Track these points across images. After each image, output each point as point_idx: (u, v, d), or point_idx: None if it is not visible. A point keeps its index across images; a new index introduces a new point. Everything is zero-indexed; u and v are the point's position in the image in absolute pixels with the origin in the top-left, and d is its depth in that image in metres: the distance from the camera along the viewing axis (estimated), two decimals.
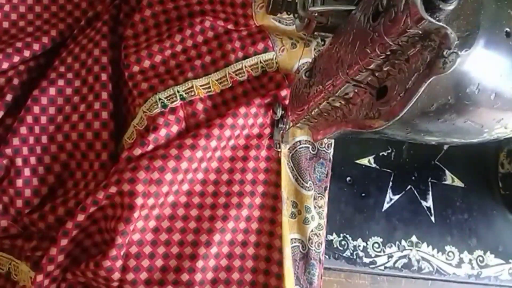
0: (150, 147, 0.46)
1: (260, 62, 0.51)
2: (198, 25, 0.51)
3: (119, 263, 0.43)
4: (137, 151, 0.46)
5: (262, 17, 0.51)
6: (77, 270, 0.44)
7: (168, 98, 0.48)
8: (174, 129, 0.48)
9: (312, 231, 0.50)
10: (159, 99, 0.48)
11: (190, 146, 0.46)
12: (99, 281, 0.44)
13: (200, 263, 0.45)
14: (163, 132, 0.47)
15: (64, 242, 0.43)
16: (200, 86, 0.49)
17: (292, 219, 0.50)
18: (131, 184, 0.44)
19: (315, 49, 0.54)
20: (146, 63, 0.50)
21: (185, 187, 0.48)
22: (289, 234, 0.49)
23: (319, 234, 0.51)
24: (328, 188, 0.52)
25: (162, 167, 0.45)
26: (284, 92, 0.50)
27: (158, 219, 0.46)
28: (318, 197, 0.51)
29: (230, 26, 0.51)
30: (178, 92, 0.48)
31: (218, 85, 0.50)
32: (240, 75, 0.50)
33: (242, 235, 0.48)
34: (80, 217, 0.43)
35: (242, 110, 0.49)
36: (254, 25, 0.52)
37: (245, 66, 0.50)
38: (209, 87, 0.50)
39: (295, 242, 0.50)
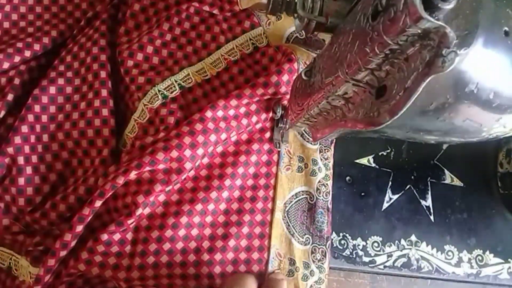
0: (161, 134, 0.47)
1: (250, 39, 0.52)
2: (184, 12, 0.52)
3: (130, 235, 0.45)
4: (149, 139, 0.47)
5: (247, 3, 0.52)
6: (83, 249, 0.44)
7: (167, 89, 0.49)
8: (181, 114, 0.49)
9: (319, 181, 0.52)
10: (159, 90, 0.49)
11: (199, 119, 0.47)
12: (108, 262, 0.44)
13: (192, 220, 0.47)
14: (171, 119, 0.48)
15: (79, 228, 0.44)
16: (196, 72, 0.50)
17: (298, 173, 0.52)
18: (152, 166, 0.45)
19: None
20: (139, 56, 0.50)
21: (205, 160, 0.49)
22: (288, 187, 0.51)
23: (327, 184, 0.52)
24: (334, 141, 0.53)
25: (180, 144, 0.46)
26: (286, 77, 0.49)
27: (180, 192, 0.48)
28: (324, 149, 0.53)
29: (215, 11, 0.52)
30: (176, 81, 0.49)
31: (213, 68, 0.51)
32: (233, 55, 0.51)
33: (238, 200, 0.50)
34: (98, 203, 0.44)
35: (247, 91, 0.49)
36: (239, 9, 0.53)
37: (236, 46, 0.51)
38: (205, 72, 0.51)
39: (302, 195, 0.52)
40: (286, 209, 0.51)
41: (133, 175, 0.45)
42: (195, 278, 0.46)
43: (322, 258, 0.51)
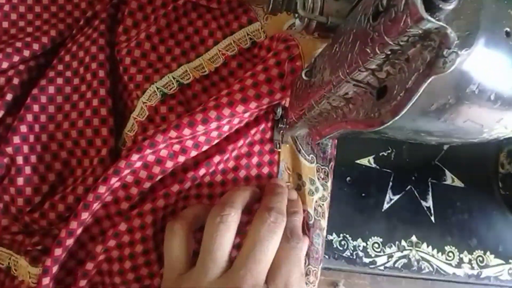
0: (164, 126, 0.47)
1: (248, 34, 0.52)
2: (182, 8, 0.52)
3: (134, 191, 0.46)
4: (150, 132, 0.47)
5: None
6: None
7: (165, 86, 0.49)
8: (181, 109, 0.49)
9: None
10: (157, 88, 0.49)
11: (200, 110, 0.47)
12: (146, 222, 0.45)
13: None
14: (172, 116, 0.48)
15: (84, 215, 0.44)
16: (194, 68, 0.51)
17: None
18: (152, 148, 0.45)
19: None
20: (137, 53, 0.50)
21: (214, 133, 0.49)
22: None
23: None
24: None
25: (177, 125, 0.45)
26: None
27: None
28: None
29: (213, 5, 0.52)
30: (174, 78, 0.49)
31: (211, 64, 0.51)
32: (231, 50, 0.51)
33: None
34: (102, 189, 0.44)
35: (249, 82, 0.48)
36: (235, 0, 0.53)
37: (234, 41, 0.52)
38: (203, 68, 0.51)
39: None
40: None
41: (135, 158, 0.44)
42: (209, 198, 0.48)
43: (325, 178, 0.52)
